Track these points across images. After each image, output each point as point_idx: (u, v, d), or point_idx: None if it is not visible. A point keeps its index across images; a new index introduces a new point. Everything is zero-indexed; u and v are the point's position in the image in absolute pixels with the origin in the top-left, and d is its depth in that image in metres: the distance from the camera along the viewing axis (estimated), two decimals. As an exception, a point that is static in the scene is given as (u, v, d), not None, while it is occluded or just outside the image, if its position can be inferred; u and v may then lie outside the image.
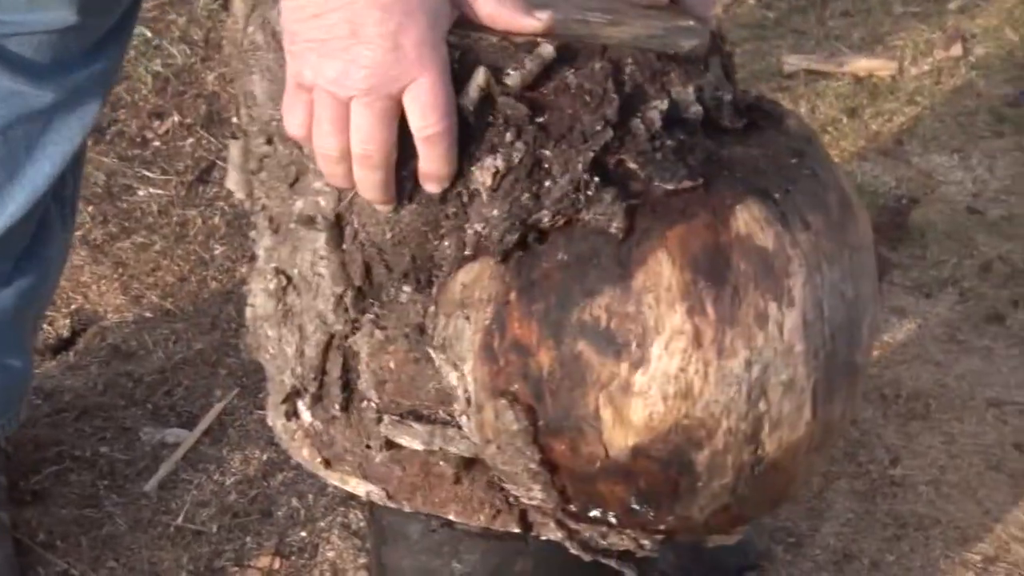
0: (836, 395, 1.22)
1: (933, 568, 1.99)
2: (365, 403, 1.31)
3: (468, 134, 1.18)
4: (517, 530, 1.32)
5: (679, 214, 1.16)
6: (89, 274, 2.37)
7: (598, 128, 1.17)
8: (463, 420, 1.25)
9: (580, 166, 1.16)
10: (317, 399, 1.33)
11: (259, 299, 1.35)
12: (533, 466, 1.20)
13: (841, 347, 1.21)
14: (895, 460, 2.14)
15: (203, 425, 2.15)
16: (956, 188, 2.60)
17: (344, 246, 1.27)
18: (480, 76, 1.16)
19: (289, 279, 1.31)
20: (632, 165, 1.18)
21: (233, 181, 1.41)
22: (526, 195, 1.17)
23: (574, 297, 1.15)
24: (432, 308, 1.25)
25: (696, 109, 1.22)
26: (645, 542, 1.26)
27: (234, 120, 1.41)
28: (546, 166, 1.17)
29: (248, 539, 2.01)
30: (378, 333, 1.28)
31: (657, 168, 1.17)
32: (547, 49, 1.18)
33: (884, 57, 2.87)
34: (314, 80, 1.15)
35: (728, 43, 1.30)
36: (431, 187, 1.19)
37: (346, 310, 1.28)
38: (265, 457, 2.11)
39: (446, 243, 1.23)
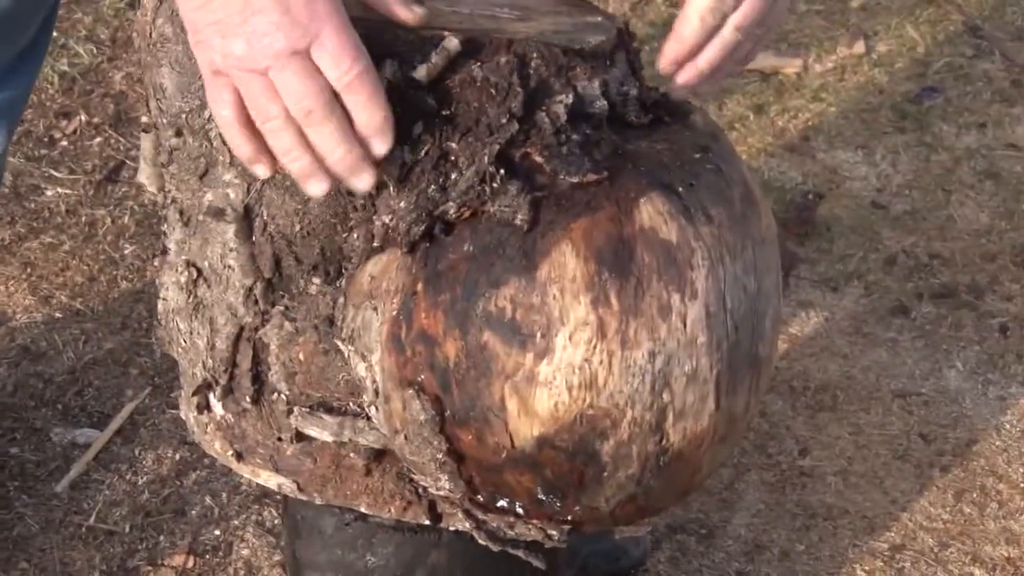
0: (740, 386, 1.24)
1: (842, 557, 2.02)
2: (275, 395, 1.32)
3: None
4: (427, 521, 1.32)
5: (584, 207, 1.17)
6: (-3, 275, 2.35)
7: (503, 121, 1.18)
8: (372, 411, 1.26)
9: (486, 158, 1.17)
10: (228, 391, 1.33)
11: (170, 292, 1.35)
12: (440, 456, 1.20)
13: (744, 339, 1.23)
14: (804, 451, 2.16)
15: (114, 425, 2.14)
16: (861, 183, 2.64)
17: (254, 238, 1.27)
18: (387, 68, 1.17)
19: (200, 272, 1.32)
20: (537, 158, 1.19)
21: (145, 175, 1.40)
22: (432, 187, 1.18)
23: (480, 288, 1.16)
24: (341, 300, 1.25)
25: (601, 104, 1.23)
26: (553, 532, 1.27)
27: (143, 119, 1.40)
28: (452, 158, 1.18)
29: (161, 538, 2.00)
30: (288, 325, 1.28)
31: (562, 161, 1.18)
32: (453, 42, 1.19)
33: (789, 55, 2.91)
34: (225, 63, 1.14)
35: (636, 40, 1.31)
36: (377, 145, 1.15)
37: (256, 302, 1.29)
38: (178, 456, 2.10)
39: (355, 235, 1.24)
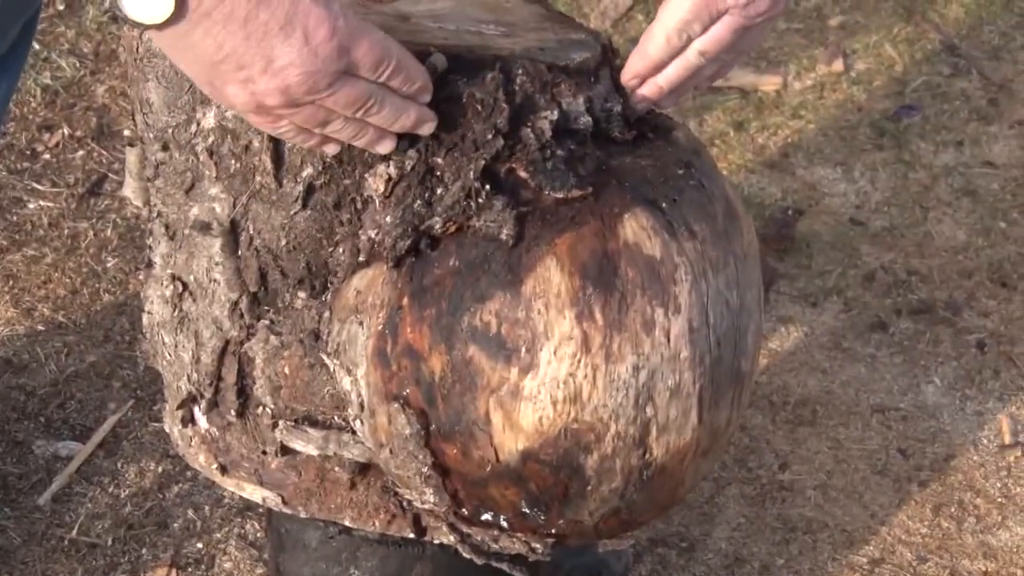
0: (722, 401, 1.25)
1: (821, 571, 2.03)
2: (260, 409, 1.32)
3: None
4: (411, 535, 1.33)
5: (568, 222, 1.18)
6: (-21, 288, 2.35)
7: (489, 137, 1.19)
8: (357, 425, 1.26)
9: (471, 174, 1.18)
10: (213, 405, 1.34)
11: (156, 305, 1.35)
12: (425, 470, 1.21)
13: (727, 354, 1.24)
14: (784, 465, 2.17)
15: (97, 438, 2.13)
16: (840, 200, 2.65)
17: (239, 252, 1.28)
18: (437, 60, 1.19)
19: (185, 285, 1.32)
20: (523, 174, 1.20)
21: (130, 189, 1.41)
22: (418, 202, 1.19)
23: (465, 303, 1.17)
24: (327, 314, 1.26)
25: (585, 119, 1.24)
26: (537, 546, 1.27)
27: (126, 132, 1.41)
28: (438, 173, 1.19)
29: (144, 551, 2.00)
30: (273, 339, 1.29)
31: (547, 177, 1.19)
32: (440, 59, 1.20)
33: (769, 72, 2.92)
34: (267, 106, 1.13)
35: (620, 57, 1.32)
36: (423, 98, 1.18)
37: (241, 316, 1.29)
38: (160, 469, 2.10)
39: (340, 249, 1.24)
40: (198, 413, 1.36)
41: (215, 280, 1.29)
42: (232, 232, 1.28)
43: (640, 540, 2.03)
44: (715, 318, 1.22)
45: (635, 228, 1.19)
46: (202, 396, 1.33)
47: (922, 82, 2.91)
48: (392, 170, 1.19)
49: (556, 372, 1.16)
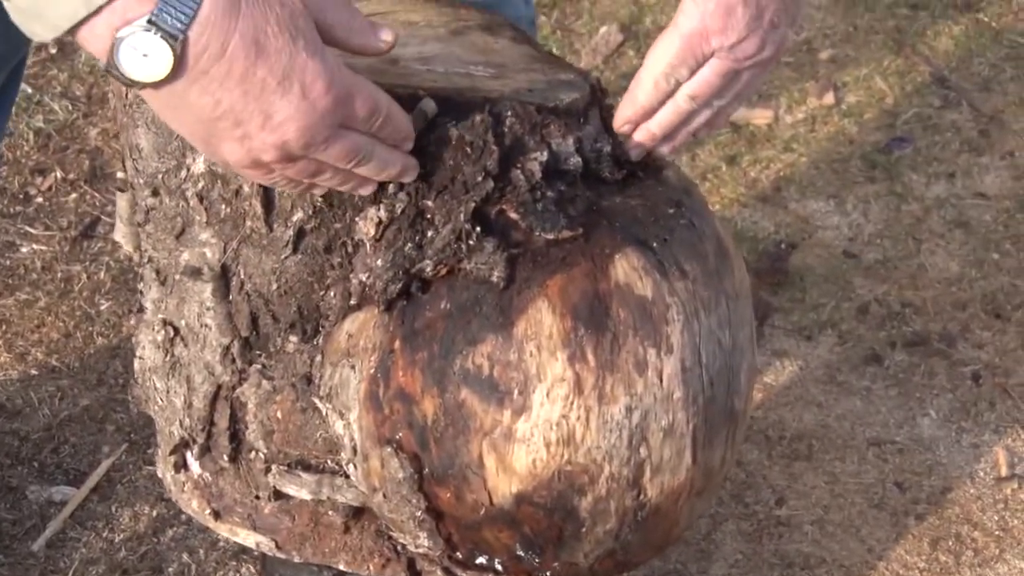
0: (716, 440, 1.25)
1: (818, 606, 2.03)
2: (253, 453, 1.32)
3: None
4: (406, 578, 1.33)
5: (559, 263, 1.18)
6: (-28, 332, 2.35)
7: (479, 179, 1.19)
8: (350, 469, 1.26)
9: (462, 216, 1.18)
10: (206, 450, 1.33)
11: (147, 351, 1.35)
12: (419, 514, 1.21)
13: (720, 393, 1.23)
14: (780, 500, 2.17)
15: (91, 482, 2.13)
16: (833, 233, 2.65)
17: (231, 297, 1.28)
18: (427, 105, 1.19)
19: (177, 330, 1.32)
20: (513, 215, 1.20)
21: (121, 234, 1.41)
22: (409, 245, 1.19)
23: (457, 345, 1.17)
24: (318, 358, 1.26)
25: (575, 160, 1.24)
26: (532, 587, 1.27)
27: (119, 175, 1.41)
28: (428, 216, 1.19)
29: (138, 596, 1.99)
30: (265, 383, 1.29)
31: (537, 218, 1.19)
32: (430, 105, 1.20)
33: (760, 106, 2.93)
34: (261, 160, 1.12)
35: (609, 96, 1.32)
36: (406, 146, 1.18)
37: (233, 360, 1.29)
38: (155, 513, 2.09)
39: (331, 293, 1.24)
40: (191, 458, 1.35)
41: (206, 325, 1.29)
42: (223, 277, 1.28)
43: (637, 578, 2.02)
44: (708, 357, 1.22)
45: (626, 268, 1.19)
46: (194, 441, 1.33)
47: (913, 114, 2.91)
48: (382, 213, 1.19)
49: (549, 414, 1.16)
